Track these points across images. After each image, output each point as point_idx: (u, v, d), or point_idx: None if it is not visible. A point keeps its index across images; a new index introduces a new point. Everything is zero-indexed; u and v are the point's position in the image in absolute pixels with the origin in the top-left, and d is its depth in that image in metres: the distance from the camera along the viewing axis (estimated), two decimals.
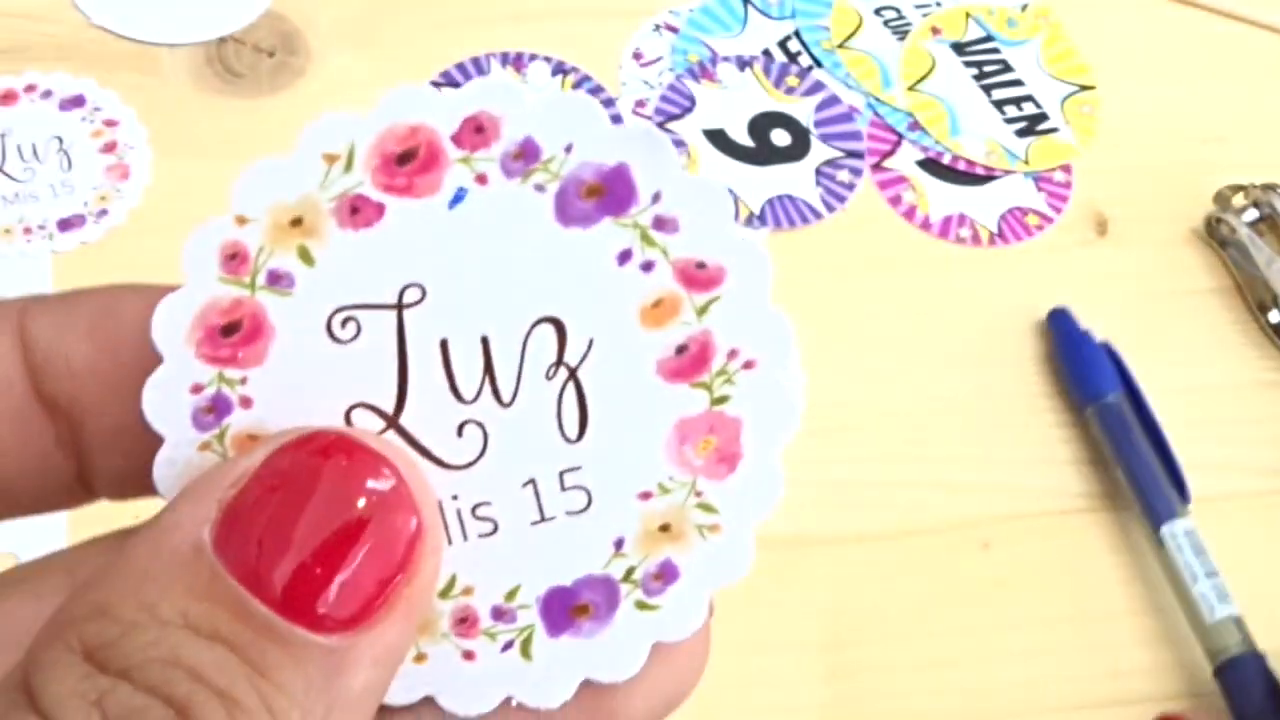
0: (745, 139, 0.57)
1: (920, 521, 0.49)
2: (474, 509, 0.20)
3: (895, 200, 0.56)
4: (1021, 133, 0.59)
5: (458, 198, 0.20)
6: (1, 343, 0.20)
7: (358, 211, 0.20)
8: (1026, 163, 0.58)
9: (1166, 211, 0.58)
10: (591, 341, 0.20)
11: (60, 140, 0.53)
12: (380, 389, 0.20)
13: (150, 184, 0.53)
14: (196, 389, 0.19)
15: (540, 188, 0.20)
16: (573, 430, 0.20)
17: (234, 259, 0.20)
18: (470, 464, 0.20)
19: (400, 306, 0.20)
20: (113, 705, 0.16)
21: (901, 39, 0.61)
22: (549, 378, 0.20)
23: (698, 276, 0.20)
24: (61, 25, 0.56)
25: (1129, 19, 0.63)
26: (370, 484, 0.18)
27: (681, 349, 0.20)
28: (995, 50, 0.61)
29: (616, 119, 0.56)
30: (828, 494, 0.49)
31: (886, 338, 0.53)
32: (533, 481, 0.20)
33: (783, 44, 0.60)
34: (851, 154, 0.57)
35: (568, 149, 0.20)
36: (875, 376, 0.52)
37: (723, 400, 0.21)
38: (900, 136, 0.58)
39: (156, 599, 0.17)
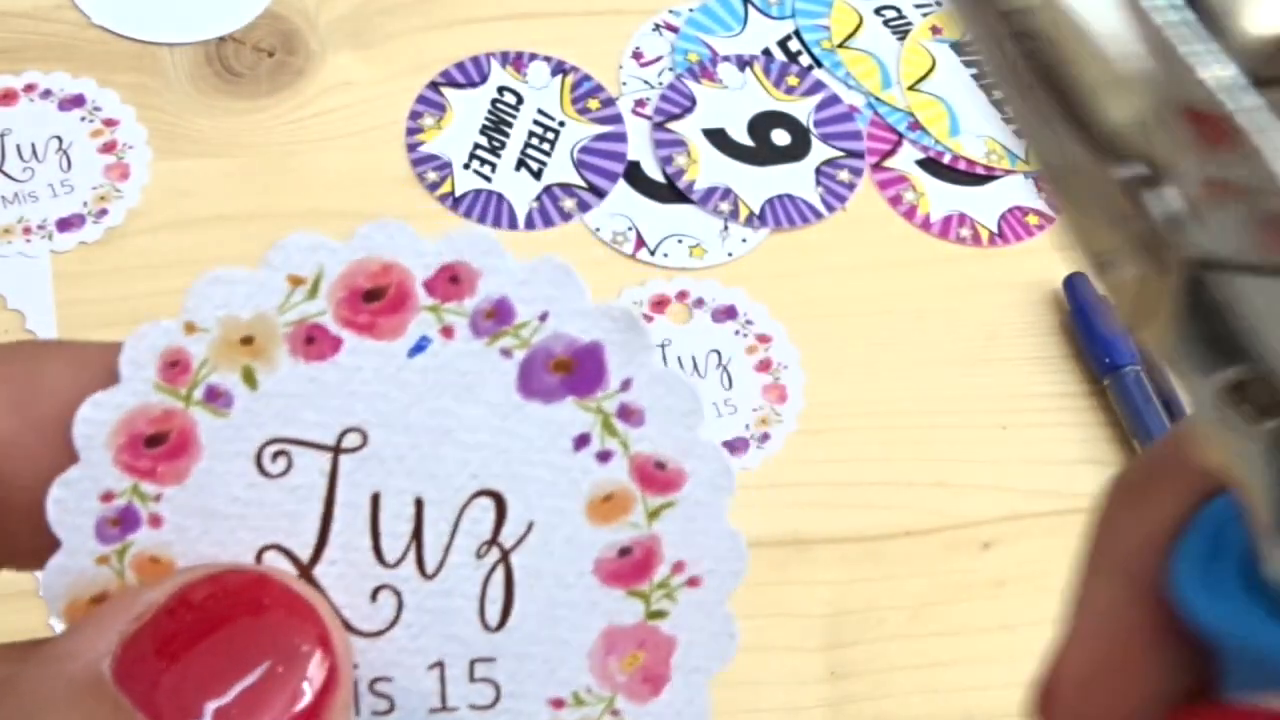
0: (745, 139, 0.57)
1: (920, 521, 0.49)
2: (373, 683, 0.19)
3: (895, 200, 0.56)
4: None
5: (419, 347, 0.19)
6: None
7: (313, 342, 0.19)
8: (1027, 162, 0.58)
9: None
10: (531, 525, 0.19)
11: (59, 140, 0.53)
12: (299, 533, 0.19)
13: (149, 184, 0.53)
14: (107, 497, 0.18)
15: (507, 352, 0.19)
16: (494, 617, 0.19)
17: (174, 366, 0.18)
18: (378, 633, 0.19)
19: (338, 450, 0.19)
20: None
21: (902, 39, 0.61)
22: (479, 556, 0.19)
23: (656, 476, 0.19)
24: (61, 25, 0.56)
25: None
26: (288, 636, 0.17)
27: (625, 551, 0.19)
28: None
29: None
30: (828, 494, 0.49)
31: (886, 338, 0.53)
32: (441, 665, 0.19)
33: (783, 43, 0.60)
34: (851, 154, 0.57)
35: (542, 317, 0.19)
36: (875, 376, 0.52)
37: (659, 615, 0.19)
38: (900, 136, 0.58)
39: None
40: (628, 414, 0.19)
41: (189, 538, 0.18)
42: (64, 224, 0.51)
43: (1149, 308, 0.16)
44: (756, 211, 0.55)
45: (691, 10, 0.60)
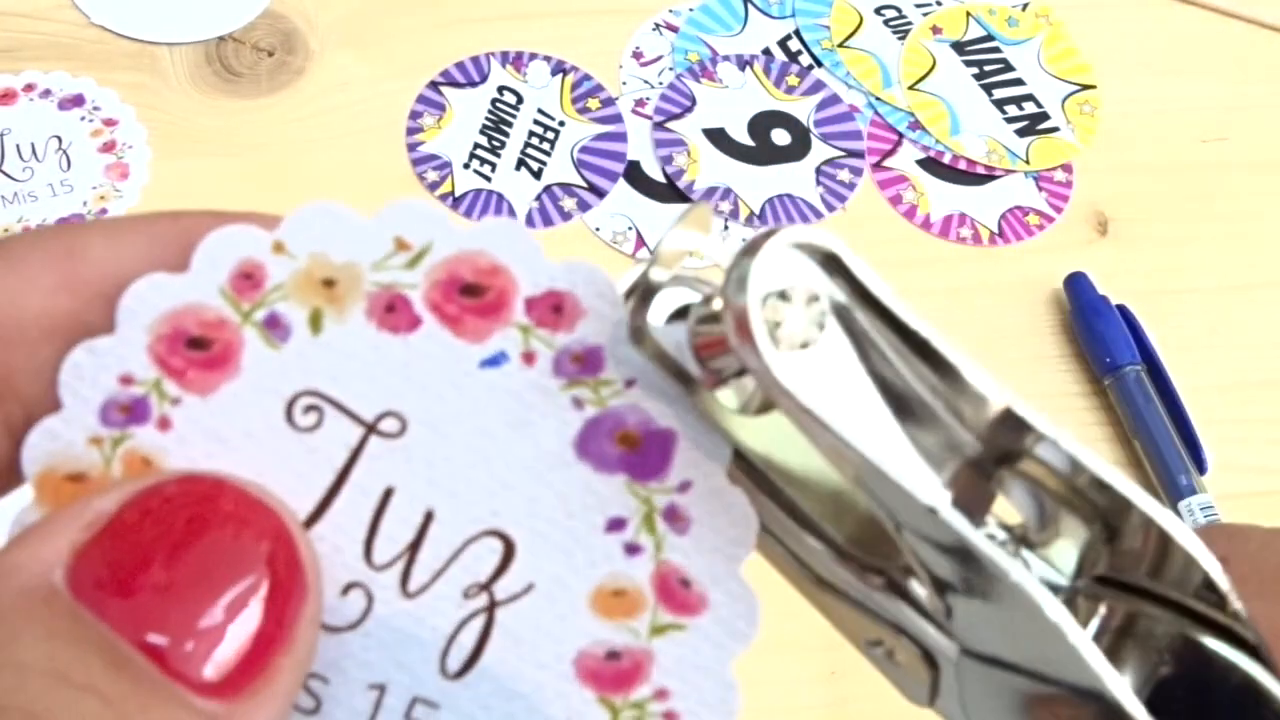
0: (745, 138, 0.57)
1: None
2: (309, 678, 0.18)
3: (896, 200, 0.56)
4: (1022, 132, 0.59)
5: (495, 360, 0.18)
6: None
7: (393, 310, 0.18)
8: (1027, 162, 0.58)
9: (1166, 211, 0.57)
10: (531, 586, 0.18)
11: (59, 139, 0.53)
12: (299, 496, 0.17)
13: (149, 183, 0.53)
14: (126, 380, 0.17)
15: (579, 403, 0.18)
16: (455, 664, 0.18)
17: (247, 279, 0.17)
18: (334, 629, 0.18)
19: (372, 428, 0.18)
20: None
21: (902, 38, 0.61)
22: (466, 595, 0.18)
23: (676, 593, 0.18)
24: (61, 24, 0.56)
25: (1130, 18, 0.63)
26: (249, 543, 0.16)
27: (614, 655, 0.18)
28: (996, 49, 0.61)
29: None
30: None
31: None
32: (382, 689, 0.18)
33: (783, 43, 0.60)
34: (852, 153, 0.57)
35: (629, 382, 0.18)
36: None
37: None
38: (901, 136, 0.58)
39: (8, 641, 0.15)
40: (674, 516, 0.18)
41: (188, 453, 0.17)
42: (64, 223, 0.51)
43: (918, 679, 0.18)
44: (757, 211, 0.55)
45: (692, 10, 0.60)
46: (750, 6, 0.61)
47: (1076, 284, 0.54)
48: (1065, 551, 0.18)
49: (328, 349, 0.18)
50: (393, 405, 0.18)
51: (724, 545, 0.18)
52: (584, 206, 0.54)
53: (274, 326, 0.18)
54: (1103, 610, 0.18)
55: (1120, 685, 0.16)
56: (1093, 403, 0.53)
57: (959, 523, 0.16)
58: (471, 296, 0.18)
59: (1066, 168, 0.58)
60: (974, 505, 0.17)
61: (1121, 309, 0.53)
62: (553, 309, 0.18)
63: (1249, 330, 0.55)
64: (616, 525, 0.18)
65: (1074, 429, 0.53)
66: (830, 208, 0.56)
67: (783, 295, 0.16)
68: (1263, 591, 0.20)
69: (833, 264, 0.16)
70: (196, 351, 0.17)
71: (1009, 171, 0.57)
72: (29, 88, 0.54)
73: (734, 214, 0.55)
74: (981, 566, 0.16)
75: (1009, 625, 0.16)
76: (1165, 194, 0.58)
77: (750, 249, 0.16)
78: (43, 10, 0.56)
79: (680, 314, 0.18)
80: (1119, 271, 0.55)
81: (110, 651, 0.15)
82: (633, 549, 0.18)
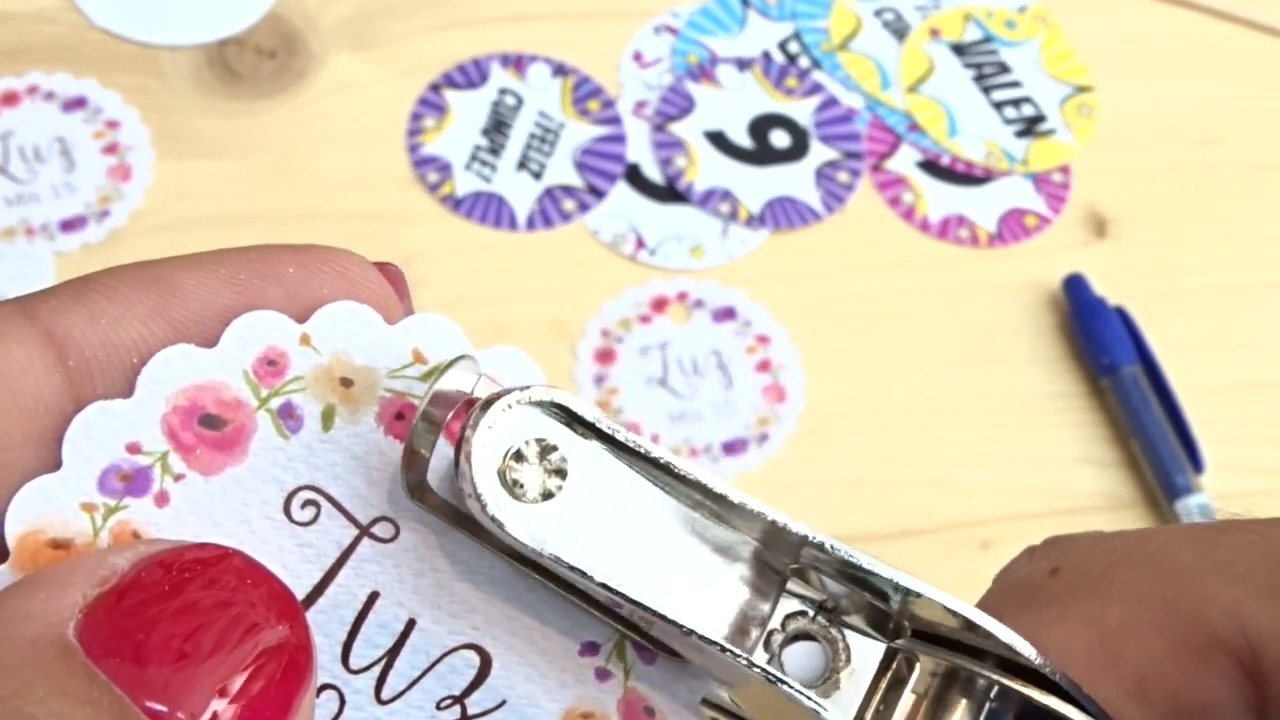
0: (745, 140, 0.57)
1: (920, 521, 0.49)
2: None
3: (894, 201, 0.57)
4: (1020, 134, 0.59)
5: None
6: (24, 352, 0.17)
7: (402, 419, 0.18)
8: (1025, 164, 0.58)
9: (1165, 212, 0.58)
10: (503, 703, 0.18)
11: (62, 141, 0.53)
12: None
13: (152, 185, 0.53)
14: (133, 449, 0.17)
15: None
16: None
17: (271, 365, 0.18)
18: None
19: (365, 530, 0.18)
20: None
21: (900, 40, 0.61)
22: (439, 708, 0.18)
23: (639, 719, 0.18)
24: (63, 27, 0.56)
25: (1127, 20, 0.64)
26: (260, 613, 0.16)
27: None
28: (994, 51, 0.61)
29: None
30: (826, 494, 0.50)
31: (885, 338, 0.53)
32: None
33: (782, 45, 0.60)
34: (851, 155, 0.57)
35: None
36: (874, 376, 0.52)
37: None
38: (899, 138, 0.58)
39: (16, 693, 0.14)
40: (643, 647, 0.18)
41: (181, 533, 0.17)
42: (67, 225, 0.51)
43: None
44: (756, 213, 0.55)
45: (691, 12, 0.60)
46: (749, 9, 0.61)
47: (1074, 285, 0.54)
48: (876, 616, 0.18)
49: (335, 446, 0.18)
50: (388, 511, 0.18)
51: (687, 679, 0.18)
52: (584, 208, 0.54)
53: (288, 416, 0.18)
54: (921, 665, 0.19)
55: None
56: (1090, 403, 0.53)
57: (714, 640, 0.17)
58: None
59: (1064, 169, 0.58)
60: (768, 596, 0.18)
61: (1119, 310, 0.53)
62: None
63: (1246, 331, 0.55)
64: (590, 649, 0.18)
65: (1072, 429, 0.53)
66: (829, 209, 0.56)
67: (518, 454, 0.17)
68: (1093, 593, 0.20)
69: (567, 412, 0.17)
70: (209, 430, 0.17)
71: (1007, 173, 0.58)
72: (32, 90, 0.54)
73: (733, 216, 0.55)
74: (755, 678, 0.17)
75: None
76: (1163, 195, 0.58)
77: (482, 408, 0.17)
78: (45, 13, 0.56)
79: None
80: (1116, 273, 0.56)
81: (119, 713, 0.15)
82: (603, 674, 0.18)
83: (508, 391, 0.17)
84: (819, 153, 0.57)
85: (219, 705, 0.15)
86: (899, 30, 0.61)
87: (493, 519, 0.17)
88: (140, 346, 0.17)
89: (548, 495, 0.17)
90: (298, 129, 0.55)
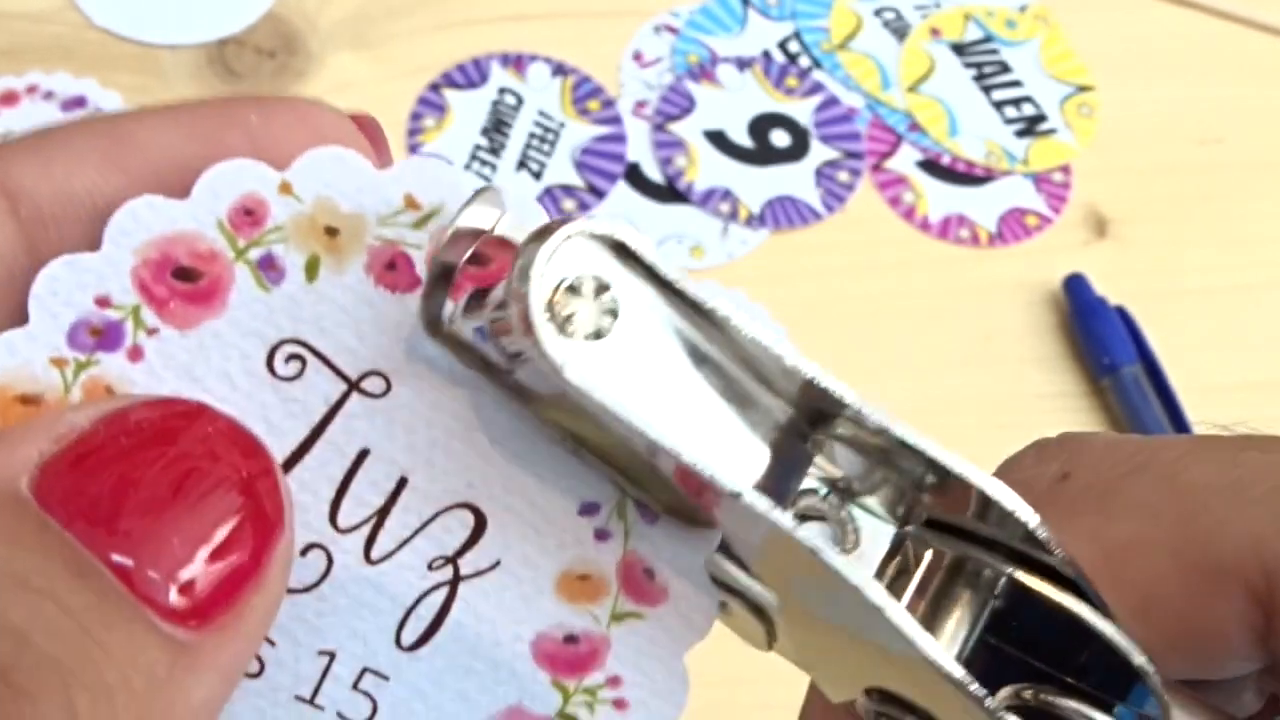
0: (745, 140, 0.57)
1: None
2: None
3: (895, 201, 0.57)
4: (1021, 133, 0.59)
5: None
6: None
7: (393, 269, 0.17)
8: (1026, 163, 0.58)
9: (1164, 213, 0.58)
10: (498, 564, 0.17)
11: None
12: (270, 447, 0.16)
13: None
14: (103, 302, 0.16)
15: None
16: (410, 637, 0.17)
17: (248, 215, 0.17)
18: (288, 591, 0.17)
19: (354, 386, 0.17)
20: None
21: (901, 40, 0.61)
22: (430, 567, 0.17)
23: (640, 583, 0.18)
24: (63, 26, 0.56)
25: (1128, 20, 0.64)
26: (229, 467, 0.15)
27: (571, 639, 0.17)
28: (994, 51, 0.61)
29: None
30: None
31: (885, 338, 0.53)
32: (331, 655, 0.17)
33: (782, 45, 0.60)
34: (851, 155, 0.57)
35: None
36: (874, 376, 0.52)
37: (569, 718, 0.18)
38: (899, 137, 0.58)
39: None
40: (646, 506, 0.18)
41: (157, 388, 0.16)
42: None
43: (754, 630, 0.19)
44: (756, 213, 0.55)
45: (691, 11, 0.60)
46: (750, 8, 0.61)
47: (1075, 285, 0.54)
48: (891, 499, 0.18)
49: (320, 298, 0.17)
50: (379, 364, 0.17)
51: (690, 540, 0.18)
52: (584, 208, 0.54)
53: (268, 268, 0.17)
54: (930, 554, 0.18)
55: (945, 658, 0.16)
56: (1091, 403, 0.53)
57: (763, 506, 0.16)
58: (477, 266, 0.17)
59: (1065, 169, 0.58)
60: (792, 468, 0.17)
61: (1119, 310, 0.53)
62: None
63: (1246, 331, 0.55)
64: (590, 510, 0.18)
65: (1072, 429, 0.53)
66: (829, 209, 0.56)
67: (572, 288, 0.16)
68: (1102, 505, 0.20)
69: (624, 251, 0.16)
70: (183, 282, 0.17)
71: (1007, 173, 0.58)
72: (31, 89, 0.54)
73: (733, 215, 0.55)
74: (795, 546, 0.16)
75: (830, 596, 0.17)
76: (1163, 195, 0.58)
77: (537, 236, 0.16)
78: (45, 12, 0.56)
79: (478, 297, 0.17)
80: (1117, 272, 0.55)
81: (75, 563, 0.14)
82: (602, 535, 0.18)
83: (567, 220, 0.16)
84: (819, 152, 0.57)
85: (187, 560, 0.15)
86: (899, 30, 0.61)
87: (543, 352, 0.16)
88: (96, 197, 0.17)
89: (598, 334, 0.16)
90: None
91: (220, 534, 0.15)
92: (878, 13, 0.62)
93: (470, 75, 0.57)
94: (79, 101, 0.54)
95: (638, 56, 0.59)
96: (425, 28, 0.58)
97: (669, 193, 0.55)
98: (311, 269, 0.17)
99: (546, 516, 0.17)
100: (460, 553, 0.17)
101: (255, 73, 0.56)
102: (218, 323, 0.17)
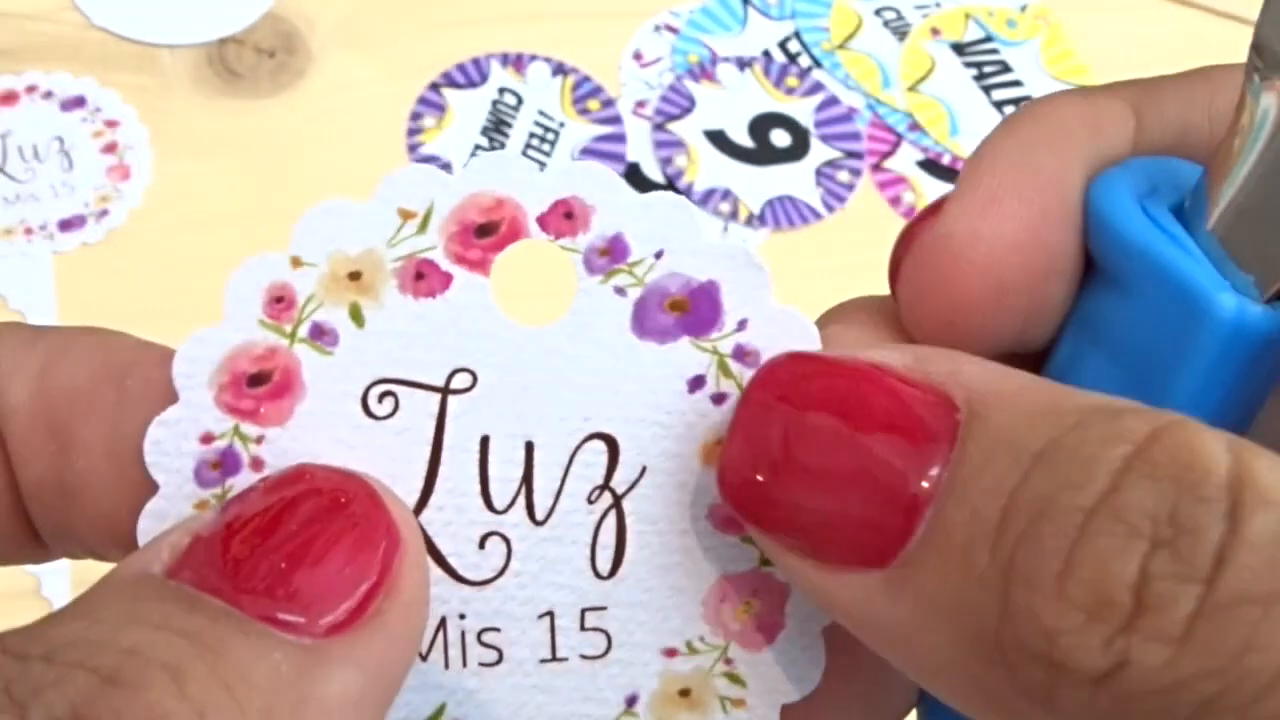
0: (745, 139, 0.57)
1: None
2: (480, 634, 0.19)
3: (895, 201, 0.56)
4: None
5: None
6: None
7: (423, 278, 0.18)
8: None
9: None
10: (644, 470, 0.19)
11: (61, 141, 0.53)
12: (406, 478, 0.18)
13: (151, 184, 0.53)
14: (207, 439, 0.18)
15: (621, 291, 0.18)
16: (605, 565, 0.19)
17: (279, 302, 0.18)
18: (486, 582, 0.19)
19: (446, 390, 0.18)
20: (19, 686, 0.14)
21: (901, 40, 0.61)
22: (590, 501, 0.19)
23: None
24: (62, 26, 0.56)
25: (1128, 20, 0.64)
26: (341, 500, 0.17)
27: None
28: (995, 51, 0.61)
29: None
30: None
31: None
32: (550, 614, 0.19)
33: (783, 45, 0.60)
34: (851, 154, 0.57)
35: (658, 254, 0.18)
36: None
37: (767, 565, 0.19)
38: (900, 137, 0.58)
39: (93, 609, 0.15)
40: (743, 355, 0.18)
41: None
42: (65, 225, 0.51)
43: None
44: (756, 212, 0.55)
45: (691, 11, 0.60)
46: (750, 8, 0.61)
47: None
48: None
49: (378, 336, 0.18)
50: (457, 362, 0.18)
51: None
52: None
53: (320, 336, 0.18)
54: None
55: None
56: None
57: None
58: (487, 235, 0.18)
59: None
60: None
61: None
62: (565, 216, 0.18)
63: None
64: (697, 384, 0.18)
65: None
66: (830, 208, 0.56)
67: None
68: None
69: None
70: (260, 388, 0.18)
71: None
72: (31, 89, 0.54)
73: (733, 215, 0.55)
74: None
75: None
76: None
77: None
78: (45, 12, 0.56)
79: None
80: None
81: (189, 600, 0.15)
82: (719, 398, 0.18)
83: None
84: (819, 152, 0.57)
85: (345, 604, 0.16)
86: (899, 29, 0.61)
87: None
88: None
89: None
90: (297, 128, 0.55)
91: (342, 559, 0.16)
92: (878, 12, 0.62)
93: (470, 75, 0.57)
94: (79, 101, 0.54)
95: (638, 56, 0.59)
96: (425, 27, 0.58)
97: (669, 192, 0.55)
98: (356, 316, 0.18)
99: (665, 408, 0.18)
100: (609, 477, 0.19)
101: (255, 72, 0.56)
102: (307, 403, 0.18)
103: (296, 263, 0.18)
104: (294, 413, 0.18)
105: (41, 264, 0.50)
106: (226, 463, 0.18)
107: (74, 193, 0.52)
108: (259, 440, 0.18)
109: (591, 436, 0.18)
